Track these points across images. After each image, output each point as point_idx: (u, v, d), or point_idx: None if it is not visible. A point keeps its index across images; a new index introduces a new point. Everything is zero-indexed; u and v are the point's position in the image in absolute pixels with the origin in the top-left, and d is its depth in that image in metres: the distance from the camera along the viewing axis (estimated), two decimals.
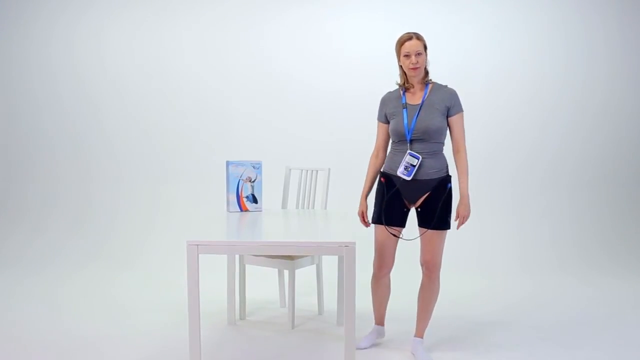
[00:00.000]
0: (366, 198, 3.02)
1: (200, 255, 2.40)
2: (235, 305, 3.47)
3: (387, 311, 3.17)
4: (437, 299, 2.93)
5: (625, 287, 4.31)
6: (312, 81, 5.09)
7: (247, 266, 4.24)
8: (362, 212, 3.01)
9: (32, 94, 5.28)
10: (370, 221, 3.00)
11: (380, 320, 3.15)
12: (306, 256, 3.38)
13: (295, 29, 5.09)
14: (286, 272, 3.74)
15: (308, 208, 3.74)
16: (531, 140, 5.12)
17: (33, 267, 4.77)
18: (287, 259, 3.30)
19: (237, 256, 3.50)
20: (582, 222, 5.12)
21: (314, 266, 3.77)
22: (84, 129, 5.26)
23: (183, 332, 3.26)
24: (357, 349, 3.01)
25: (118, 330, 3.32)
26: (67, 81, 5.24)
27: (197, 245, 2.39)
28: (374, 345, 3.11)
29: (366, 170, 3.03)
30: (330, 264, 4.02)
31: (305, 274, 4.37)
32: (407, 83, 2.85)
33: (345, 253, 2.37)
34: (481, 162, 5.10)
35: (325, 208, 3.67)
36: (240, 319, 3.55)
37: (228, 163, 3.36)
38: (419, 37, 2.78)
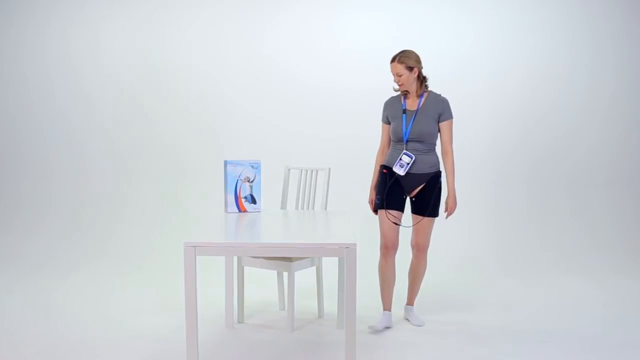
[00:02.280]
0: (375, 188, 3.41)
1: (197, 256, 2.35)
2: (233, 308, 3.41)
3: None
4: (424, 273, 3.45)
5: (627, 284, 4.28)
6: (313, 79, 5.04)
7: (245, 268, 4.19)
8: (373, 200, 3.40)
9: (27, 91, 5.22)
10: (375, 208, 3.37)
11: (388, 306, 3.38)
12: (306, 258, 3.34)
13: (296, 26, 5.04)
14: (285, 274, 3.69)
15: (308, 208, 3.69)
16: (533, 139, 5.08)
17: (28, 269, 4.71)
18: (286, 260, 3.25)
19: (235, 258, 3.45)
20: (579, 221, 5.07)
21: (314, 268, 3.73)
22: (80, 127, 5.20)
23: (180, 335, 3.22)
24: (371, 328, 3.28)
25: (114, 333, 3.27)
26: (62, 78, 5.18)
27: (195, 246, 2.35)
28: (386, 328, 3.34)
29: (373, 166, 3.47)
30: (330, 265, 3.98)
31: (304, 276, 4.32)
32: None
33: (345, 255, 2.34)
34: (480, 161, 5.07)
35: (325, 208, 3.63)
36: (239, 322, 3.50)
37: (226, 162, 3.31)
38: (401, 60, 3.16)
